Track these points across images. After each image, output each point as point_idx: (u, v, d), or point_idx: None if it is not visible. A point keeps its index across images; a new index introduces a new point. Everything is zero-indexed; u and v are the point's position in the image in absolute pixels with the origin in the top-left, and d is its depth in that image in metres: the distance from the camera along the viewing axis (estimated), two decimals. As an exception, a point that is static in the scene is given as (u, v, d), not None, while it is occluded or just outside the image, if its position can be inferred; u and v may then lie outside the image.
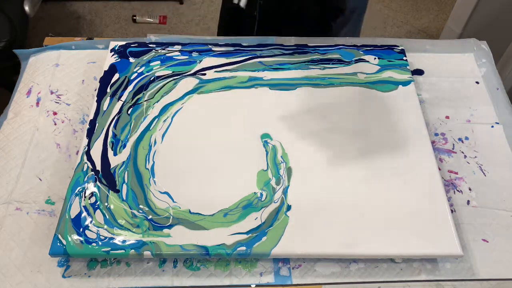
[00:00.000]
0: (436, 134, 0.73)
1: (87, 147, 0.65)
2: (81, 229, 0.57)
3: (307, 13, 0.90)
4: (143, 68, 0.75)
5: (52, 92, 0.76)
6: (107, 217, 0.59)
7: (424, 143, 0.67)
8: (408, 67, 0.77)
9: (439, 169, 0.67)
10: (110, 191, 0.61)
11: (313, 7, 0.89)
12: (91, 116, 0.69)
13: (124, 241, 0.57)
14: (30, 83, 0.77)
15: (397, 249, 0.58)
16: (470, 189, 0.67)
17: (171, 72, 0.75)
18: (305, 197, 0.62)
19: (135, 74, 0.75)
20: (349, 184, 0.63)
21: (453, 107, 0.76)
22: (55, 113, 0.73)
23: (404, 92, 0.74)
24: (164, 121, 0.69)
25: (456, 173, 0.68)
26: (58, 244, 0.56)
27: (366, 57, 0.78)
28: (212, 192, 0.62)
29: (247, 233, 0.58)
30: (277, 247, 0.57)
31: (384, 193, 0.62)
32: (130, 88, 0.73)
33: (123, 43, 0.79)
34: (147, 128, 0.68)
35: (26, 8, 1.40)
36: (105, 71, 0.75)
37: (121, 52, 0.77)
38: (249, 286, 0.58)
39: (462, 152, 0.71)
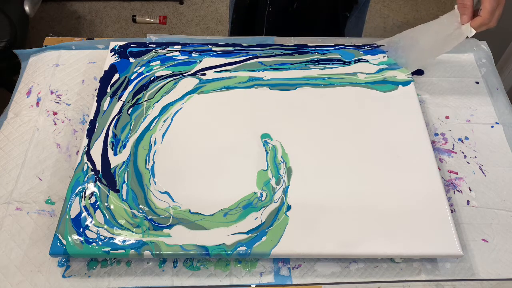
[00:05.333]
0: (436, 134, 0.73)
1: (87, 147, 0.65)
2: (81, 229, 0.58)
3: (321, 5, 0.90)
4: (143, 68, 0.76)
5: (52, 92, 0.76)
6: (107, 217, 0.59)
7: (424, 143, 0.67)
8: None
9: (439, 169, 0.67)
10: (110, 191, 0.61)
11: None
12: (91, 116, 0.69)
13: (124, 241, 0.57)
14: (30, 83, 0.77)
15: (397, 249, 0.58)
16: (470, 189, 0.67)
17: (171, 72, 0.75)
18: (305, 197, 0.62)
19: (135, 74, 0.75)
20: (349, 184, 0.63)
21: (453, 107, 0.76)
22: (55, 113, 0.73)
23: (404, 92, 0.74)
24: (164, 121, 0.69)
25: (456, 173, 0.68)
26: (58, 244, 0.56)
27: (366, 57, 0.78)
28: (212, 192, 0.62)
29: (247, 233, 0.58)
30: (277, 247, 0.57)
31: (384, 193, 0.62)
32: (130, 88, 0.73)
33: (123, 43, 0.79)
34: (147, 128, 0.68)
35: (26, 8, 1.40)
36: (105, 71, 0.75)
37: (121, 52, 0.77)
38: (249, 286, 0.58)
39: (462, 152, 0.71)
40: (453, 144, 0.71)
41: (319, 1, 0.90)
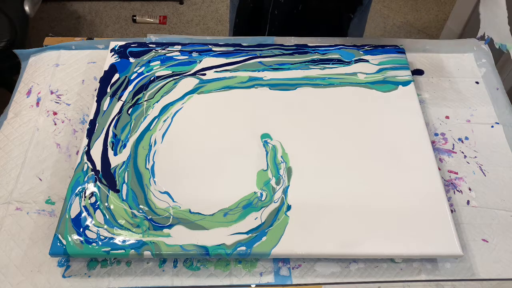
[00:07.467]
0: (436, 134, 0.73)
1: (87, 147, 0.65)
2: (81, 229, 0.58)
3: (326, 8, 0.90)
4: (143, 68, 0.76)
5: (52, 92, 0.76)
6: (107, 217, 0.59)
7: (424, 143, 0.67)
8: (408, 66, 0.77)
9: (439, 169, 0.67)
10: (110, 191, 0.61)
11: (332, 1, 0.89)
12: (91, 116, 0.69)
13: (124, 241, 0.57)
14: (30, 83, 0.77)
15: (397, 249, 0.58)
16: (470, 189, 0.67)
17: (171, 72, 0.75)
18: (305, 197, 0.62)
19: (135, 74, 0.75)
20: (349, 184, 0.63)
21: (453, 107, 0.76)
22: (55, 113, 0.73)
23: (404, 92, 0.74)
24: (164, 121, 0.69)
25: (456, 173, 0.68)
26: (58, 244, 0.56)
27: (366, 57, 0.78)
28: (212, 192, 0.62)
29: (247, 233, 0.58)
30: (277, 247, 0.57)
31: (384, 193, 0.62)
32: (130, 88, 0.73)
33: (123, 43, 0.79)
34: (147, 128, 0.68)
35: (26, 8, 1.40)
36: (105, 71, 0.75)
37: (121, 52, 0.77)
38: (249, 286, 0.58)
39: (462, 152, 0.71)
40: (453, 144, 0.71)
41: (324, 3, 0.90)
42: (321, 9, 0.90)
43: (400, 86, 0.74)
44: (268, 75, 0.75)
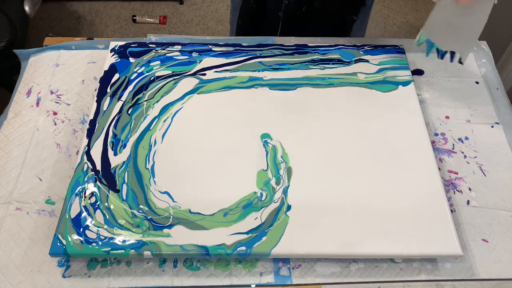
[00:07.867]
0: (436, 134, 0.73)
1: (87, 147, 0.65)
2: (81, 229, 0.58)
3: (329, 9, 0.90)
4: (143, 68, 0.76)
5: (52, 92, 0.76)
6: (107, 217, 0.59)
7: (424, 143, 0.67)
8: (408, 66, 0.77)
9: (439, 169, 0.67)
10: (110, 191, 0.61)
11: (335, 2, 0.89)
12: (91, 116, 0.69)
13: (124, 241, 0.57)
14: (30, 83, 0.77)
15: (397, 249, 0.58)
16: (470, 189, 0.67)
17: (171, 72, 0.75)
18: (305, 197, 0.62)
19: (135, 74, 0.75)
20: (349, 184, 0.63)
21: (453, 107, 0.76)
22: (55, 113, 0.73)
23: (404, 92, 0.74)
24: (164, 121, 0.69)
25: (456, 173, 0.68)
26: (58, 244, 0.56)
27: (366, 57, 0.78)
28: (212, 192, 0.62)
29: (247, 233, 0.58)
30: (277, 247, 0.57)
31: (384, 193, 0.62)
32: (130, 88, 0.73)
33: (123, 43, 0.79)
34: (147, 128, 0.68)
35: (26, 8, 1.40)
36: (105, 71, 0.75)
37: (121, 52, 0.77)
38: (249, 286, 0.58)
39: (462, 152, 0.71)
40: (453, 144, 0.71)
41: (327, 5, 0.90)
42: (324, 11, 0.90)
43: (400, 86, 0.74)
44: (268, 75, 0.75)
